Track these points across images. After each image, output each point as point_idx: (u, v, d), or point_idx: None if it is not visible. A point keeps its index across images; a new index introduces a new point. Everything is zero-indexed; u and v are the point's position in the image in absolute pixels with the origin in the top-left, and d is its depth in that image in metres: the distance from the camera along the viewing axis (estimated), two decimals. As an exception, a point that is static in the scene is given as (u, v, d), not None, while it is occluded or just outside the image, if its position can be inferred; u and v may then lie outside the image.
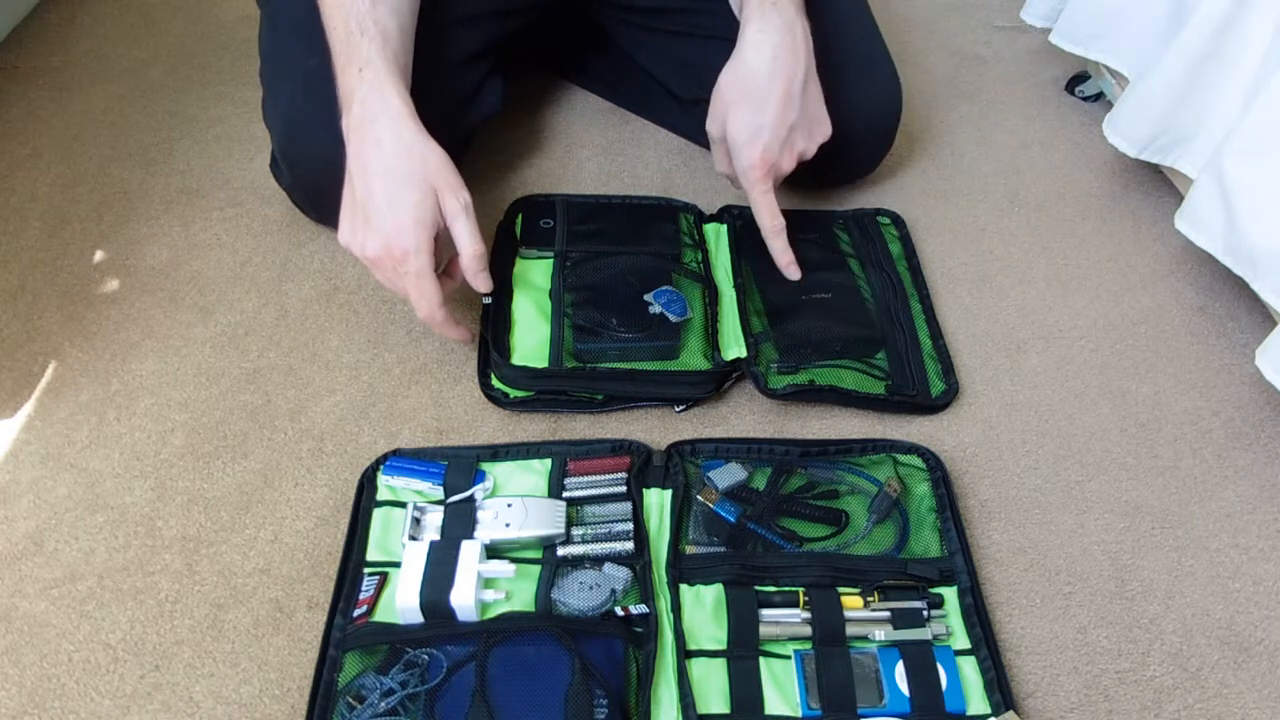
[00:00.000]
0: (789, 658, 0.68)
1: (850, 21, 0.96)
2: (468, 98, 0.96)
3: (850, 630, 0.69)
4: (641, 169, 1.09)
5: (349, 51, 0.76)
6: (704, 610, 0.70)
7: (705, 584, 0.71)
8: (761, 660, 0.68)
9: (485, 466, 0.78)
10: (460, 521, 0.72)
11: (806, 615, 0.69)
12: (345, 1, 0.77)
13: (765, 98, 0.83)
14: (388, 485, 0.76)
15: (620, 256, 0.93)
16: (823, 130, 0.88)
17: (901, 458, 0.79)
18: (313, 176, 0.88)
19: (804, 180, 0.97)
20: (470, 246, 0.77)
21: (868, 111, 0.94)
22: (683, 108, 1.09)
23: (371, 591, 0.69)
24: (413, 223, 0.73)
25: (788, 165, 0.87)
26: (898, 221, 1.01)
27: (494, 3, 0.95)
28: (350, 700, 0.63)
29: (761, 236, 0.92)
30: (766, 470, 0.78)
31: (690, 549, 0.73)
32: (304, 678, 0.67)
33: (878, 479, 0.78)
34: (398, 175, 0.74)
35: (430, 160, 0.75)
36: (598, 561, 0.71)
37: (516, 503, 0.73)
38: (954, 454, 0.83)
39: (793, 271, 0.91)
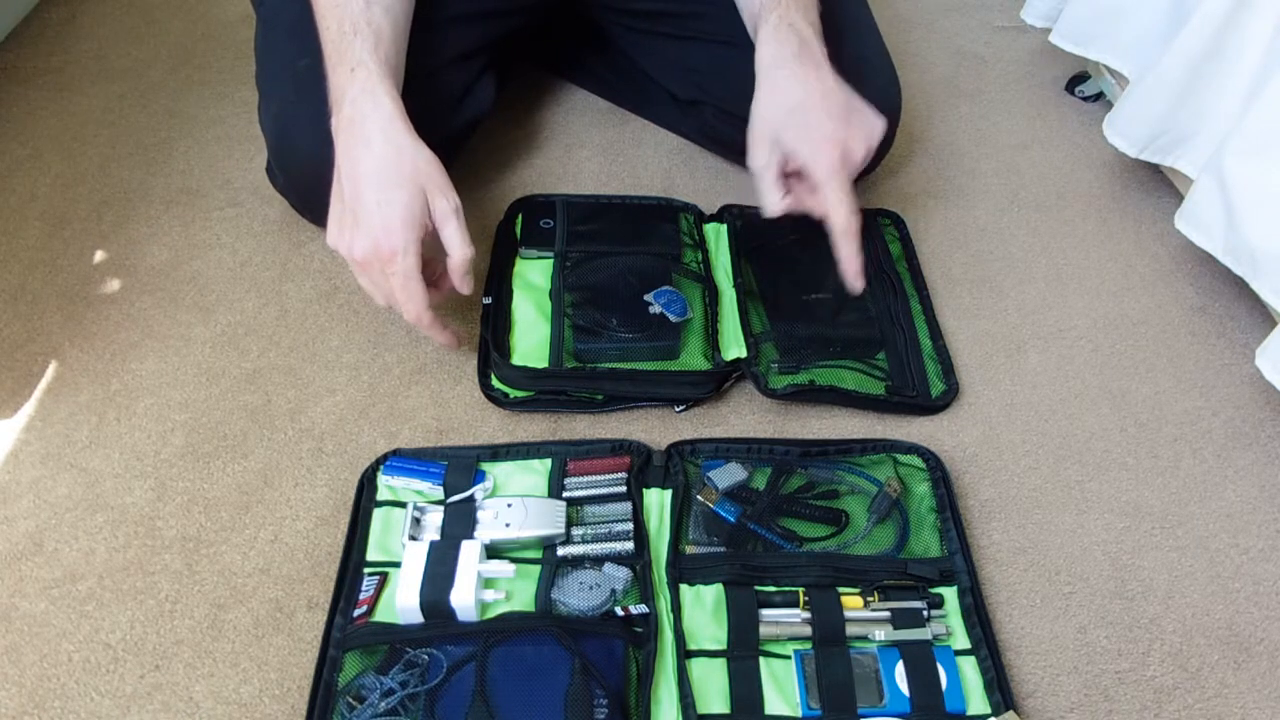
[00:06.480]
0: (789, 658, 0.68)
1: (850, 23, 0.96)
2: (458, 97, 0.96)
3: (850, 630, 0.69)
4: (641, 169, 1.09)
5: (341, 51, 0.76)
6: (704, 610, 0.70)
7: (705, 584, 0.71)
8: (761, 660, 0.68)
9: (485, 466, 0.78)
10: (460, 521, 0.72)
11: (806, 615, 0.69)
12: (339, 1, 0.77)
13: (808, 98, 0.80)
14: (388, 485, 0.76)
15: (620, 256, 0.93)
16: (876, 122, 0.84)
17: (901, 458, 0.79)
18: (305, 178, 0.88)
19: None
20: (460, 249, 0.77)
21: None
22: (683, 108, 1.08)
23: (371, 591, 0.69)
24: (401, 223, 0.73)
25: (859, 152, 0.81)
26: (898, 222, 1.01)
27: (489, 3, 0.95)
28: (350, 700, 0.63)
29: (759, 240, 0.92)
30: (766, 470, 0.78)
31: (690, 549, 0.73)
32: (304, 678, 0.67)
33: (878, 479, 0.78)
34: (387, 176, 0.74)
35: (420, 162, 0.75)
36: (598, 561, 0.71)
37: (516, 503, 0.73)
38: (954, 454, 0.83)
39: (859, 282, 0.84)
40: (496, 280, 0.91)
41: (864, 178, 1.06)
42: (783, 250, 0.88)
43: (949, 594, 0.72)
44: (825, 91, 0.81)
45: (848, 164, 0.81)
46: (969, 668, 0.68)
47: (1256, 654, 0.71)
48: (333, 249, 0.77)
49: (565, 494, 0.76)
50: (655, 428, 0.84)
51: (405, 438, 0.82)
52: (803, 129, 0.81)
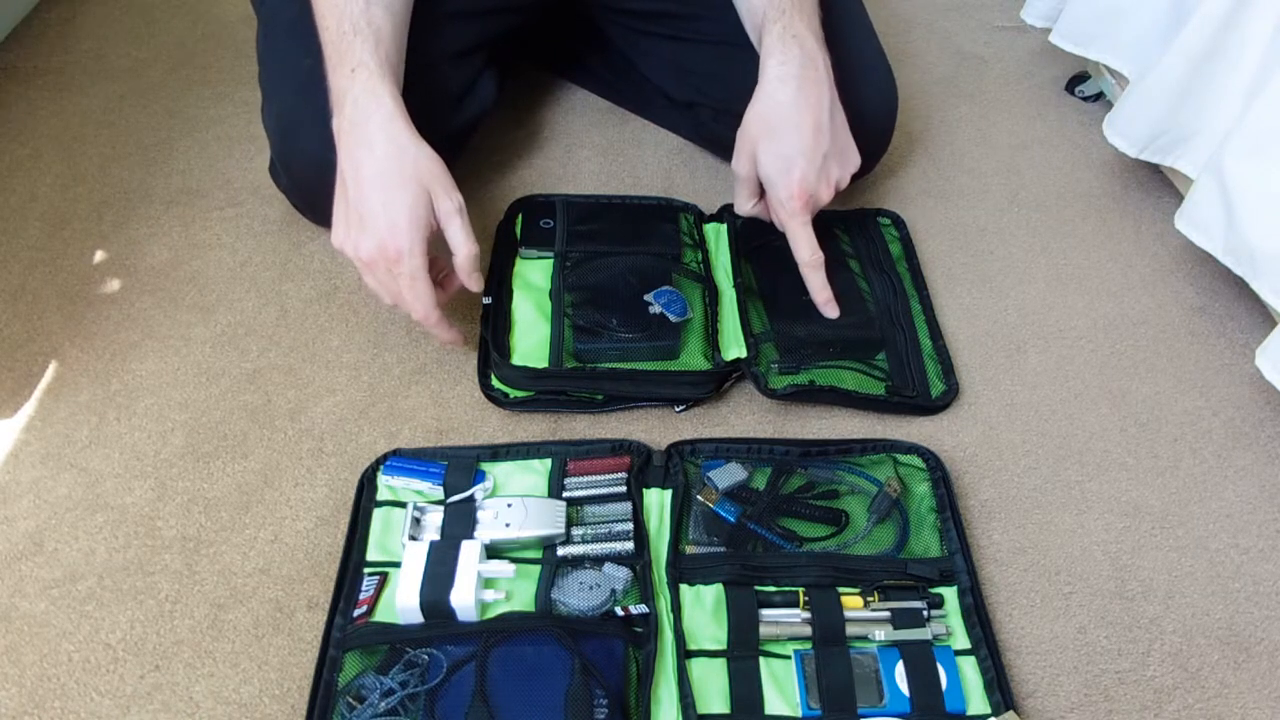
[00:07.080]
0: (789, 658, 0.68)
1: (845, 23, 0.96)
2: (459, 95, 0.96)
3: (850, 630, 0.69)
4: (641, 169, 1.09)
5: (341, 51, 0.76)
6: (704, 610, 0.70)
7: (705, 584, 0.71)
8: (761, 660, 0.68)
9: (485, 466, 0.78)
10: (460, 521, 0.72)
11: (806, 615, 0.69)
12: (339, 1, 0.77)
13: (795, 129, 0.82)
14: (388, 485, 0.76)
15: (620, 256, 0.93)
16: (853, 160, 0.88)
17: (901, 458, 0.79)
18: (308, 178, 0.88)
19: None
20: (465, 247, 0.77)
21: (863, 113, 0.94)
22: (680, 110, 1.08)
23: (371, 591, 0.69)
24: (407, 223, 0.73)
25: (826, 195, 0.85)
26: (898, 222, 1.01)
27: (487, 0, 0.95)
28: (350, 700, 0.63)
29: (759, 240, 0.92)
30: (766, 470, 0.78)
31: (690, 549, 0.73)
32: (304, 678, 0.67)
33: (878, 479, 0.78)
34: (390, 176, 0.74)
35: (423, 162, 0.75)
36: (598, 561, 0.71)
37: (516, 503, 0.73)
38: (954, 454, 0.83)
39: (830, 310, 0.88)
40: (496, 280, 0.91)
41: (862, 178, 1.06)
42: (783, 250, 0.88)
43: (949, 594, 0.72)
44: (816, 126, 0.82)
45: (812, 206, 0.85)
46: (969, 668, 0.68)
47: (1256, 654, 0.71)
48: (338, 250, 0.77)
49: (565, 494, 0.76)
50: (655, 428, 0.84)
51: (405, 438, 0.82)
52: (780, 160, 0.83)
